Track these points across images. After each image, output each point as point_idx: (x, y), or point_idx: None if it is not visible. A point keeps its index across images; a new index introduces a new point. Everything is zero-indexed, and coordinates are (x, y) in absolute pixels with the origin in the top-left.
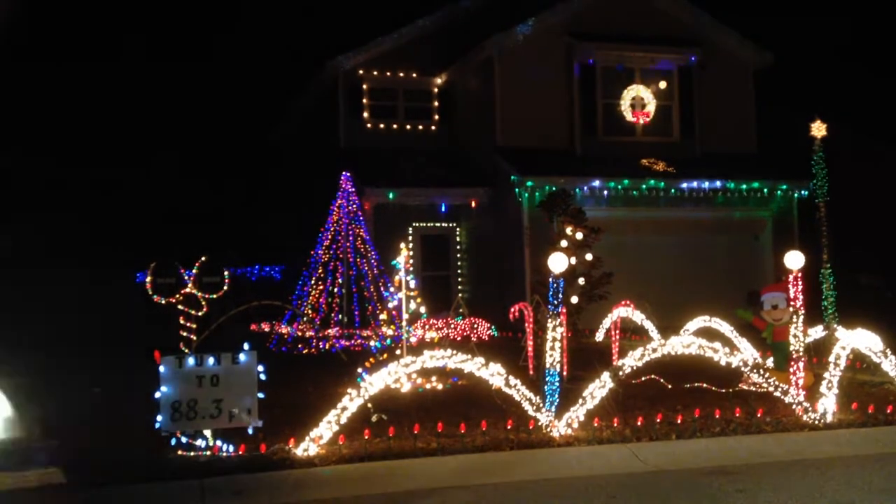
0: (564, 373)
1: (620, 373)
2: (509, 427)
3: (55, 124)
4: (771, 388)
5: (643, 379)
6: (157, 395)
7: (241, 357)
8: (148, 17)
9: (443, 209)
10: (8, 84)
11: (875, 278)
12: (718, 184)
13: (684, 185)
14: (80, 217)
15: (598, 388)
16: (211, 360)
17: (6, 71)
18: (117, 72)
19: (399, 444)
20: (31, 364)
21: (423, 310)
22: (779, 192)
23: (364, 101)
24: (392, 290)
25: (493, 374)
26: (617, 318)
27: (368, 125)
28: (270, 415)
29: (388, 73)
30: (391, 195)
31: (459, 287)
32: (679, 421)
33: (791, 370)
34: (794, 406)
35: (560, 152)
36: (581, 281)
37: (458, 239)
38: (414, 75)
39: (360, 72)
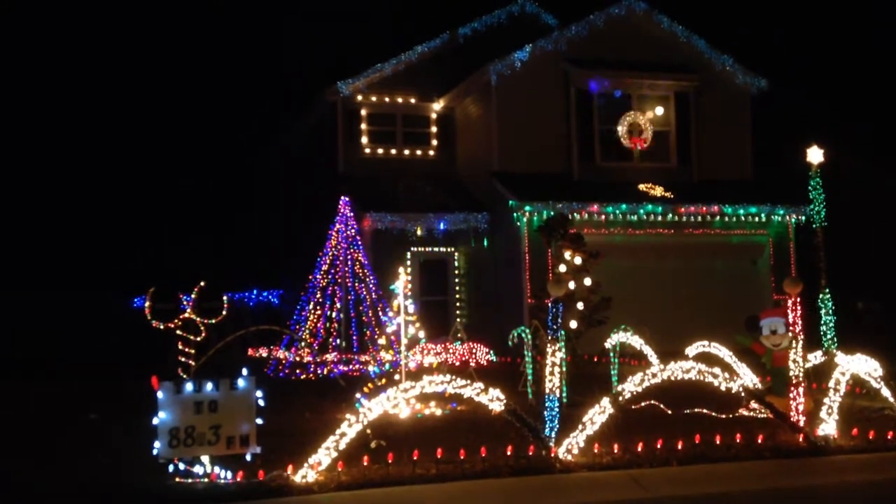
0: (564, 398)
1: (620, 398)
2: (509, 453)
3: (52, 148)
4: (771, 414)
5: (643, 404)
6: (155, 421)
7: (240, 383)
8: (144, 44)
9: (441, 234)
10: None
11: (873, 304)
12: (716, 209)
13: (682, 211)
14: (76, 242)
15: (598, 414)
16: (209, 386)
17: None
18: (121, 100)
19: (398, 471)
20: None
21: (421, 335)
22: (776, 217)
23: (362, 126)
24: (391, 314)
25: (493, 399)
26: (616, 343)
27: (367, 150)
28: (269, 441)
29: (387, 99)
30: (389, 220)
31: (458, 312)
32: (680, 447)
33: (791, 395)
34: (794, 432)
35: (558, 177)
36: (580, 306)
37: (456, 264)
38: (412, 101)
39: (359, 97)
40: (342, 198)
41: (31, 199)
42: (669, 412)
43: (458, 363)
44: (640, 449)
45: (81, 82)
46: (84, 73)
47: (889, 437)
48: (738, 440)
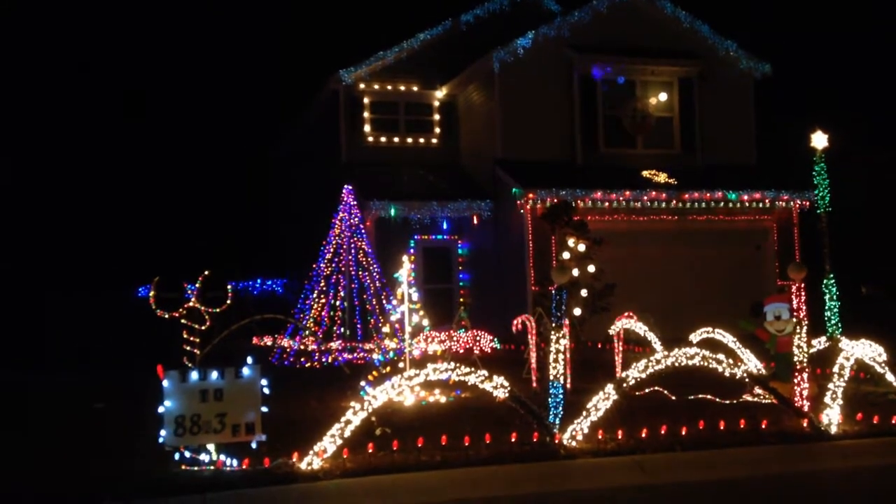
0: (568, 385)
1: (624, 384)
2: (513, 440)
3: (55, 139)
4: (775, 400)
5: (647, 391)
6: (161, 409)
7: (245, 371)
8: (148, 33)
9: (445, 222)
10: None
11: (878, 289)
12: (720, 195)
13: (686, 197)
14: (80, 233)
15: (602, 400)
16: (214, 375)
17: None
18: (120, 87)
19: (403, 458)
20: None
21: (425, 322)
22: (780, 202)
23: (365, 114)
24: (394, 302)
25: (497, 386)
26: (620, 329)
27: (370, 139)
28: (274, 429)
29: (390, 87)
30: (393, 208)
31: (462, 300)
32: (684, 433)
33: (795, 381)
34: (798, 417)
35: (562, 164)
36: (584, 293)
37: (460, 251)
38: (415, 89)
39: (362, 86)
40: (345, 186)
41: (35, 200)
42: (673, 398)
43: (462, 351)
44: (644, 435)
45: (81, 76)
46: (84, 68)
47: (893, 421)
48: (742, 426)
